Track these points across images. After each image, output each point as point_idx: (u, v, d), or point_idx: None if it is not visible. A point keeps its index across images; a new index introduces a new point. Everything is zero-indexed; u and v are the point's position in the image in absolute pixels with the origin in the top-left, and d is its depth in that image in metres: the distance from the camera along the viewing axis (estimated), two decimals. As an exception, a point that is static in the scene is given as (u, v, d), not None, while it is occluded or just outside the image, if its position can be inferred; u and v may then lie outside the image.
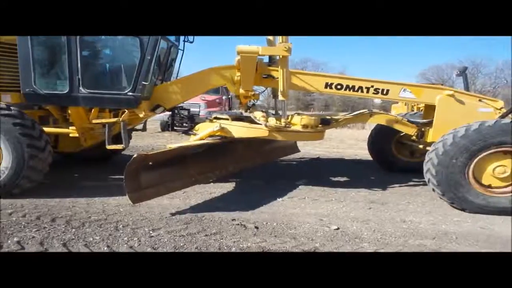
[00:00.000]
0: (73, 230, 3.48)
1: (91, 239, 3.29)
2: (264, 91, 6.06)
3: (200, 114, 13.10)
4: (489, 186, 4.45)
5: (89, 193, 4.70)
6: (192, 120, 12.33)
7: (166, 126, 13.03)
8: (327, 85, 5.16)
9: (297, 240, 3.45)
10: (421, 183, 5.69)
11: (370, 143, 7.00)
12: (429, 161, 4.58)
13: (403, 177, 6.20)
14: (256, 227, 3.73)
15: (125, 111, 5.00)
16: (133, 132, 7.07)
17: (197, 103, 13.22)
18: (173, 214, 4.02)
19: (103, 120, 5.10)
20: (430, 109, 5.40)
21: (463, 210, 4.46)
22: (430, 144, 5.00)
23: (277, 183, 5.63)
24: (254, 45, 4.63)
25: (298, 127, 5.09)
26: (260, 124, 5.02)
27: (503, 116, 4.86)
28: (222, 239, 3.41)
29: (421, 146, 5.73)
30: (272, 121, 5.06)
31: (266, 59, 5.30)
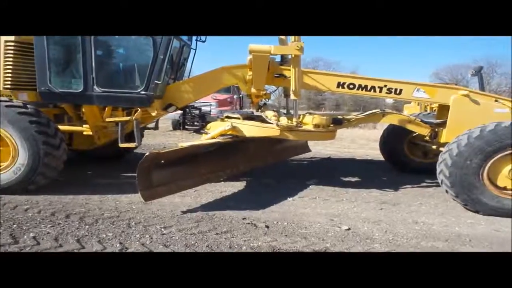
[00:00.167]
0: (87, 226, 3.53)
1: (104, 235, 3.34)
2: (275, 90, 6.06)
3: (211, 113, 13.16)
4: (504, 188, 4.37)
5: (102, 190, 4.77)
6: (203, 119, 12.38)
7: (178, 125, 13.12)
8: (339, 85, 5.13)
9: (307, 240, 3.45)
10: (434, 184, 5.62)
11: (382, 143, 6.94)
12: (443, 162, 4.52)
13: (415, 178, 6.13)
14: (267, 226, 3.74)
15: (138, 110, 5.06)
16: (145, 131, 7.14)
17: (208, 102, 13.27)
18: (184, 212, 4.06)
19: (117, 119, 5.17)
20: (444, 109, 5.32)
21: (477, 212, 4.39)
22: (443, 144, 4.93)
23: (288, 182, 5.63)
24: (266, 44, 4.63)
25: (310, 127, 5.07)
26: (272, 123, 5.02)
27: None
28: (233, 237, 3.42)
29: (434, 147, 5.66)
30: (283, 120, 5.06)
31: (278, 58, 5.30)
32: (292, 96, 4.94)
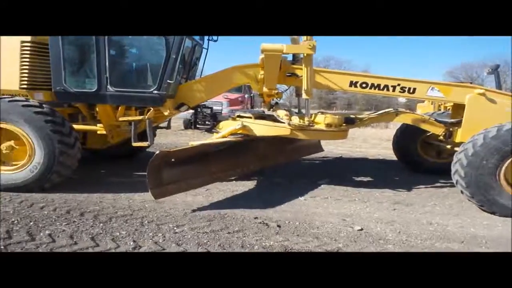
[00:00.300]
0: (101, 224, 3.58)
1: (118, 233, 3.38)
2: (287, 89, 6.04)
3: (222, 112, 13.19)
4: (522, 189, 4.28)
5: (116, 189, 4.82)
6: (215, 118, 12.43)
7: (189, 124, 13.20)
8: (351, 84, 5.09)
9: (320, 240, 3.43)
10: (448, 184, 5.54)
11: (395, 142, 6.86)
12: (458, 162, 4.45)
13: (429, 178, 6.05)
14: (279, 226, 3.73)
15: (150, 109, 5.10)
16: (157, 130, 7.20)
17: (219, 101, 13.30)
18: (196, 211, 4.08)
19: (130, 118, 5.22)
20: (459, 108, 5.24)
21: (493, 213, 4.31)
22: (458, 144, 4.85)
23: (299, 182, 5.61)
24: (278, 43, 4.62)
25: (322, 126, 5.04)
26: (283, 122, 5.01)
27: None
28: (245, 237, 3.43)
29: (448, 147, 5.57)
30: (295, 119, 5.04)
31: (289, 57, 5.28)
32: (304, 95, 4.92)
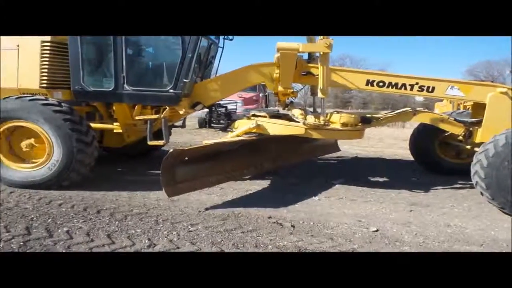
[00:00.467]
0: (117, 222, 3.63)
1: (133, 231, 3.42)
2: (302, 88, 6.00)
3: (237, 111, 13.21)
4: (545, 192, 4.13)
5: (131, 186, 4.88)
6: (229, 117, 12.46)
7: (204, 123, 13.27)
8: (368, 82, 5.02)
9: (334, 241, 3.39)
10: (468, 186, 5.41)
11: (412, 142, 6.73)
12: (478, 163, 4.33)
13: (447, 179, 5.91)
14: (293, 226, 3.71)
15: (166, 108, 5.14)
16: (172, 129, 7.25)
17: (234, 100, 13.34)
18: (210, 210, 4.09)
19: (146, 117, 5.27)
20: (479, 107, 5.10)
21: (514, 216, 4.18)
22: (478, 144, 4.72)
23: (314, 181, 5.57)
24: (294, 42, 4.60)
25: (337, 126, 4.99)
26: (298, 122, 4.97)
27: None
28: (259, 236, 3.42)
29: (468, 147, 5.43)
30: (310, 119, 5.00)
31: (305, 56, 5.24)
32: (319, 94, 4.88)
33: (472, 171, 4.43)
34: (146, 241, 3.22)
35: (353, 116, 5.08)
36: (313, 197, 4.76)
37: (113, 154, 6.63)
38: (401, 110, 5.65)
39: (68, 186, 4.61)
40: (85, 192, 4.55)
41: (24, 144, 4.68)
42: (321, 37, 4.57)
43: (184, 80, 4.83)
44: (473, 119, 5.25)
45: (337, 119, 5.00)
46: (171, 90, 4.86)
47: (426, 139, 6.39)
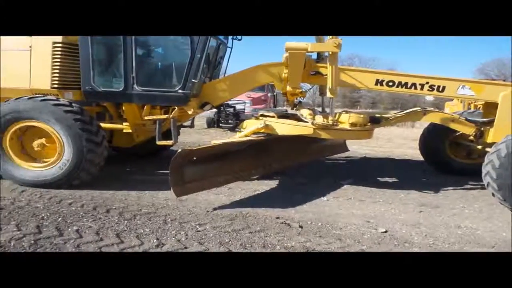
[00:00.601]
0: (125, 221, 3.66)
1: (142, 231, 3.44)
2: (311, 88, 5.98)
3: (245, 111, 13.22)
4: (559, 193, 4.06)
5: (140, 186, 4.91)
6: (238, 117, 12.47)
7: (212, 123, 13.30)
8: (377, 82, 4.99)
9: (342, 242, 3.37)
10: (479, 186, 5.33)
11: (422, 142, 6.65)
12: (489, 163, 4.27)
13: (457, 179, 5.84)
14: (301, 226, 3.70)
15: (175, 108, 5.16)
16: (181, 129, 7.29)
17: (242, 100, 13.35)
18: (218, 210, 4.10)
19: (155, 117, 5.30)
20: (491, 107, 5.03)
21: (527, 217, 4.12)
22: (490, 145, 4.66)
23: (323, 182, 5.54)
24: (303, 42, 4.58)
25: (346, 126, 4.96)
26: (307, 121, 4.96)
27: None
28: (267, 237, 3.41)
29: (479, 147, 5.36)
30: (319, 119, 4.98)
31: (313, 56, 5.22)
32: (328, 94, 4.85)
33: (484, 171, 4.37)
34: (155, 240, 3.25)
35: (362, 116, 5.05)
36: (322, 198, 4.75)
37: (123, 153, 6.69)
38: (410, 109, 5.60)
39: (78, 185, 4.66)
40: (95, 191, 4.60)
41: (35, 143, 4.75)
42: (330, 36, 4.55)
43: (193, 80, 4.85)
44: (485, 119, 5.18)
45: (346, 119, 4.97)
46: (180, 90, 4.89)
47: (436, 139, 6.32)
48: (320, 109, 5.94)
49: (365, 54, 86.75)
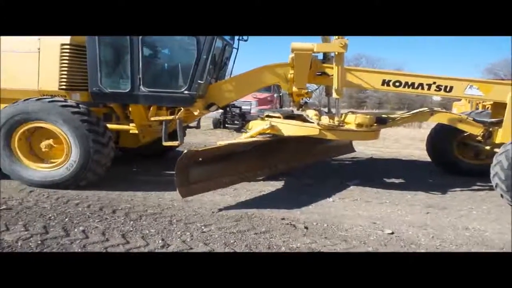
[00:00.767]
0: (131, 222, 3.67)
1: (147, 231, 3.46)
2: (317, 89, 5.97)
3: (251, 111, 13.23)
4: None
5: (146, 187, 4.93)
6: (244, 118, 12.48)
7: (218, 124, 13.33)
8: (384, 82, 4.96)
9: (348, 243, 3.35)
10: (486, 187, 5.27)
11: (430, 143, 6.60)
12: (498, 164, 4.22)
13: (465, 180, 5.78)
14: (306, 228, 3.68)
15: (181, 109, 5.18)
16: (187, 129, 7.31)
17: (248, 101, 13.36)
18: (223, 211, 4.10)
19: (161, 118, 5.32)
20: (499, 107, 4.97)
21: (536, 219, 4.06)
22: (498, 145, 4.61)
23: (328, 183, 5.52)
24: (309, 42, 4.58)
25: (352, 126, 4.93)
26: (312, 122, 4.94)
27: None
28: (272, 238, 3.41)
29: (487, 148, 5.30)
30: (325, 119, 4.96)
31: (320, 56, 5.21)
32: (334, 95, 4.84)
33: (492, 172, 4.32)
34: (160, 241, 3.26)
35: (368, 116, 5.02)
36: (327, 199, 4.73)
37: (129, 154, 6.72)
38: (417, 110, 5.56)
39: (85, 186, 4.70)
40: (101, 192, 4.63)
41: (43, 144, 4.79)
42: (336, 37, 4.53)
43: (199, 81, 4.86)
44: (493, 119, 5.12)
45: (352, 120, 4.95)
46: (186, 91, 4.90)
47: (443, 139, 6.26)
48: (326, 109, 5.92)
49: (372, 54, 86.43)
